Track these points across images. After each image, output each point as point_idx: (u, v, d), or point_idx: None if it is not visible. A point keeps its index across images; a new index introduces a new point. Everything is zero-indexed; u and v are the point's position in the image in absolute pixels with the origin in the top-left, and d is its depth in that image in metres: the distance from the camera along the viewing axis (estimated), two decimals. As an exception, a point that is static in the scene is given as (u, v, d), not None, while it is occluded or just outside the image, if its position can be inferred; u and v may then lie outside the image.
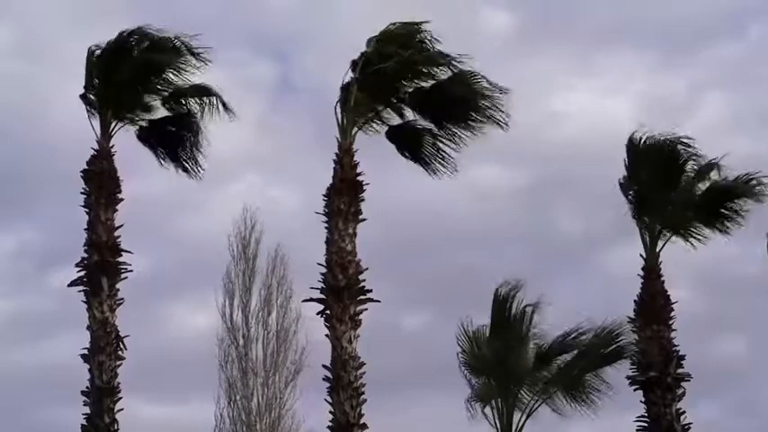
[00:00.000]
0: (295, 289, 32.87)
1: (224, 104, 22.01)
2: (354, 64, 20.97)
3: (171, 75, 22.11)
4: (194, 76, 22.04)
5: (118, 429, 20.42)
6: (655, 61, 47.01)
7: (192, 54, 21.78)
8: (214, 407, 32.65)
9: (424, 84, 21.32)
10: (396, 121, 21.80)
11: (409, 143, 21.92)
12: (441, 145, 21.77)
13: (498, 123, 21.08)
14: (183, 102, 22.36)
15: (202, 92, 22.14)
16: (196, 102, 22.26)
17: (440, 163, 21.90)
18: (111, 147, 21.60)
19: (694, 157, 22.94)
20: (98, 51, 21.71)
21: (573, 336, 21.33)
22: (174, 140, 22.59)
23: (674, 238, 22.97)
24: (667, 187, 22.87)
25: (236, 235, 34.07)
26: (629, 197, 22.86)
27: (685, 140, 22.87)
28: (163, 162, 22.69)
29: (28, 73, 38.77)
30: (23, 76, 37.69)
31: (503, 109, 20.96)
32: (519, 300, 21.81)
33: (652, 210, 22.73)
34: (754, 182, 22.65)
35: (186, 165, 22.61)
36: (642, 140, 22.78)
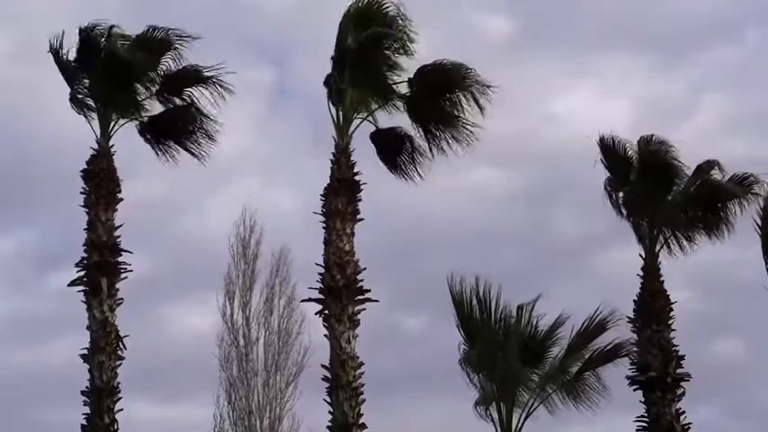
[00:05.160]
0: (298, 290, 32.92)
1: (219, 85, 22.00)
2: (333, 60, 21.09)
3: (160, 68, 22.13)
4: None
5: (117, 429, 20.43)
6: (652, 64, 47.07)
7: (171, 47, 21.90)
8: (213, 407, 32.67)
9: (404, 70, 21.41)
10: (388, 117, 21.90)
11: (388, 146, 21.95)
12: (421, 147, 21.83)
13: (484, 104, 21.09)
14: (179, 91, 22.27)
15: (195, 78, 22.12)
16: (191, 91, 22.26)
17: (416, 167, 22.00)
18: (111, 147, 21.65)
19: (683, 163, 23.07)
20: (66, 51, 21.75)
21: (555, 326, 21.13)
22: (177, 128, 22.49)
23: (670, 240, 23.02)
24: (662, 188, 22.92)
25: (236, 236, 34.13)
26: (619, 199, 22.99)
27: (674, 145, 23.01)
28: (167, 153, 22.65)
29: (28, 75, 38.77)
30: (24, 78, 37.69)
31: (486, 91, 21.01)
32: (487, 294, 21.44)
33: (648, 211, 22.78)
34: (748, 181, 22.70)
35: (193, 149, 22.53)
36: (612, 143, 22.88)
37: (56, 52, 21.75)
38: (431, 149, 21.80)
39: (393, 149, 22.02)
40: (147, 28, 21.85)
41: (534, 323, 20.96)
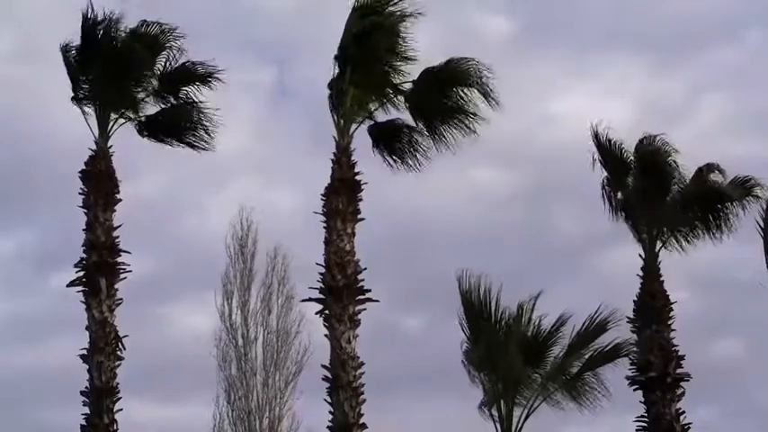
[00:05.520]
0: (297, 289, 32.94)
1: (213, 77, 22.04)
2: (337, 58, 21.05)
3: (158, 64, 22.14)
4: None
5: (117, 429, 20.44)
6: (652, 64, 47.08)
7: (166, 43, 21.89)
8: (213, 407, 32.69)
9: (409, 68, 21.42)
10: (388, 116, 21.87)
11: (384, 137, 21.95)
12: (420, 139, 21.82)
13: (489, 100, 21.06)
14: (176, 88, 22.28)
15: (190, 76, 22.13)
16: (188, 88, 22.29)
17: (417, 157, 21.99)
18: (109, 147, 21.63)
19: (683, 165, 23.08)
20: (72, 49, 21.75)
21: (557, 325, 21.20)
22: (175, 125, 22.50)
23: (670, 240, 23.01)
24: (661, 189, 22.92)
25: (233, 235, 34.19)
26: (618, 199, 22.98)
27: (670, 146, 23.00)
28: (171, 147, 22.68)
29: (28, 75, 38.81)
30: (24, 78, 37.73)
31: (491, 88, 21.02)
32: (487, 294, 21.48)
33: (647, 211, 22.77)
34: (749, 183, 22.69)
35: (193, 142, 22.53)
36: (609, 142, 22.87)
37: (64, 51, 21.76)
38: (434, 145, 21.81)
39: (391, 139, 21.97)
40: (140, 23, 21.79)
41: (536, 323, 21.02)
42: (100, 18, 21.44)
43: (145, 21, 21.77)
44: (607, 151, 23.05)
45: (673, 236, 23.10)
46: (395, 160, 22.11)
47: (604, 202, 23.04)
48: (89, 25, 21.48)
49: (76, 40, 21.67)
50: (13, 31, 40.61)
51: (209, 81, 22.09)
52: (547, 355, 20.91)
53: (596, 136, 22.99)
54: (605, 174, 23.14)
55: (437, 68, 21.24)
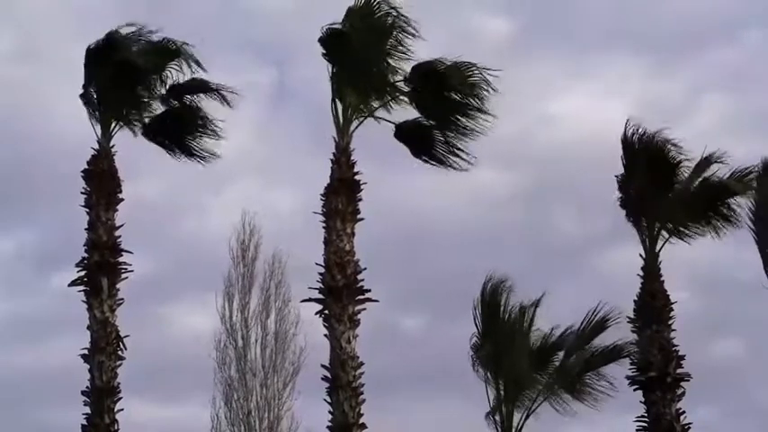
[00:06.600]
0: (293, 292, 33.15)
1: (223, 98, 22.11)
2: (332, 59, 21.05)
3: (169, 74, 22.26)
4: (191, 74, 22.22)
5: (118, 429, 20.48)
6: (652, 65, 47.13)
7: (187, 59, 21.97)
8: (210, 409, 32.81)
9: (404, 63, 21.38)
10: (389, 115, 21.83)
11: (420, 142, 21.81)
12: (449, 136, 21.68)
13: (487, 89, 21.03)
14: (183, 98, 22.39)
15: (201, 88, 22.21)
16: (195, 98, 22.38)
17: (455, 157, 21.82)
18: (112, 147, 21.70)
19: (687, 159, 23.02)
20: (93, 49, 21.80)
21: (566, 332, 21.27)
22: (181, 132, 22.60)
23: (671, 238, 22.99)
24: (664, 186, 22.90)
25: (237, 239, 34.41)
26: (627, 195, 22.92)
27: (677, 142, 22.96)
28: (173, 155, 22.75)
29: (29, 75, 38.92)
30: (24, 78, 37.83)
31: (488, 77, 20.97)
32: (508, 296, 21.58)
33: (650, 208, 22.77)
34: (749, 177, 22.67)
35: (195, 151, 22.64)
36: (635, 138, 22.79)
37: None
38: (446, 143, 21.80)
39: (426, 141, 21.79)
40: (162, 38, 21.92)
41: (547, 334, 21.17)
42: (122, 28, 21.64)
43: (166, 38, 21.88)
44: (631, 146, 22.88)
45: (673, 234, 23.07)
46: (439, 162, 21.90)
47: (621, 200, 22.99)
48: (109, 33, 21.56)
49: (82, 41, 21.84)
50: (13, 31, 40.74)
51: (219, 94, 22.13)
52: (551, 359, 21.00)
53: (625, 133, 22.83)
54: (622, 171, 23.03)
55: (439, 69, 21.19)
